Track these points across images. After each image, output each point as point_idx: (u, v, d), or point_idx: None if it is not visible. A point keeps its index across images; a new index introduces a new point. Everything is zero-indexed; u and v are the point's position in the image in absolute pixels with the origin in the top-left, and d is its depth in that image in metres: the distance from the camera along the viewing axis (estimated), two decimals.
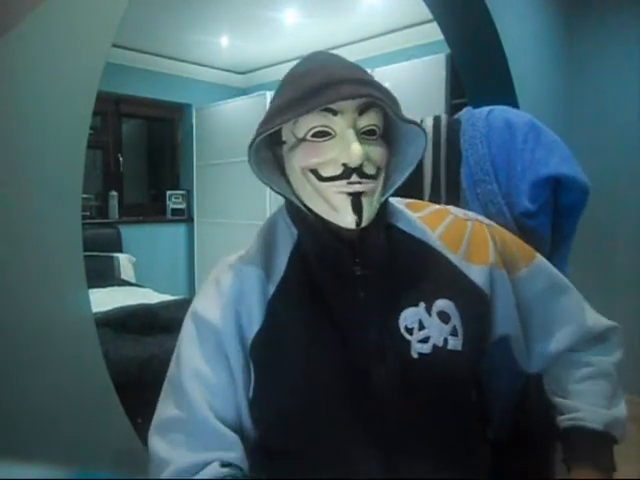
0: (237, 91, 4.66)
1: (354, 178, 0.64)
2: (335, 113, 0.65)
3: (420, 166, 1.12)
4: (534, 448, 0.96)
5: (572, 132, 2.53)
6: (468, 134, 1.06)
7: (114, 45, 1.03)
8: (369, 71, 3.04)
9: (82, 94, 0.98)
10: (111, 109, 4.10)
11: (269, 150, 0.73)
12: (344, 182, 0.65)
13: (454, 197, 1.09)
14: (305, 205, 0.70)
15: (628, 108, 2.50)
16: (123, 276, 3.68)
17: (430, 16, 2.24)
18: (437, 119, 1.13)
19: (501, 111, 1.07)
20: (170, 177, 4.66)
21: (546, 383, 0.82)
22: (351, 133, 0.64)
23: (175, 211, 4.40)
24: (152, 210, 4.46)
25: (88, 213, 3.79)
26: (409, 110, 0.70)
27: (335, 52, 0.71)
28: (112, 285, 3.32)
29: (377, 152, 0.67)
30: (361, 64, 0.73)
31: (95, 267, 3.37)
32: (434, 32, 2.67)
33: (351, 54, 3.76)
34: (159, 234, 4.35)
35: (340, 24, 3.43)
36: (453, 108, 2.74)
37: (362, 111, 0.66)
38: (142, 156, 4.73)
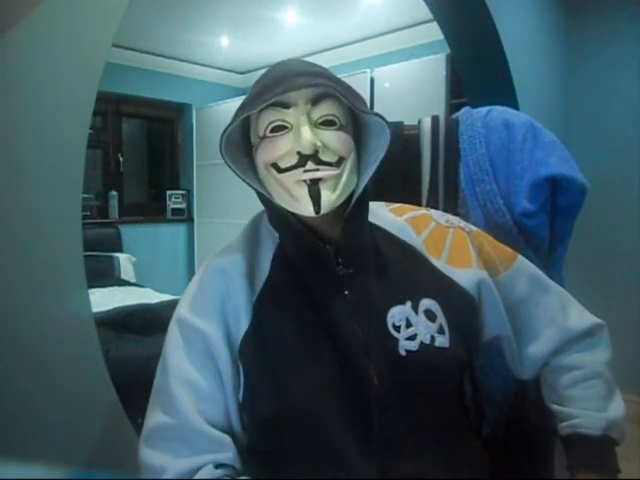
0: (237, 91, 4.66)
1: (310, 165, 0.65)
2: (288, 106, 0.66)
3: (418, 166, 1.12)
4: (530, 447, 0.97)
5: (572, 132, 2.54)
6: (467, 134, 1.06)
7: (114, 45, 1.03)
8: (368, 71, 3.06)
9: (82, 94, 0.98)
10: (111, 109, 4.10)
11: (246, 157, 0.73)
12: (300, 170, 0.66)
13: (452, 197, 1.09)
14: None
15: (628, 109, 2.50)
16: (123, 276, 3.67)
17: (430, 16, 2.24)
18: (435, 119, 1.13)
19: (500, 111, 1.08)
20: (170, 177, 4.66)
21: (542, 391, 0.83)
22: (303, 122, 0.65)
23: (175, 211, 4.40)
24: (152, 210, 4.46)
25: (88, 213, 3.78)
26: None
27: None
28: (112, 285, 3.31)
29: (336, 140, 0.67)
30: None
31: (95, 267, 3.37)
32: (434, 32, 2.67)
33: (351, 54, 3.78)
34: (159, 234, 4.35)
35: (340, 24, 3.43)
36: (453, 108, 2.74)
37: (315, 102, 0.66)
38: (142, 156, 4.72)
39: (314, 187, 0.66)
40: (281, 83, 0.64)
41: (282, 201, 0.69)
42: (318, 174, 0.65)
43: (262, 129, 0.68)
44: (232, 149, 0.70)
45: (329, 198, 0.66)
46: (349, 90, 0.68)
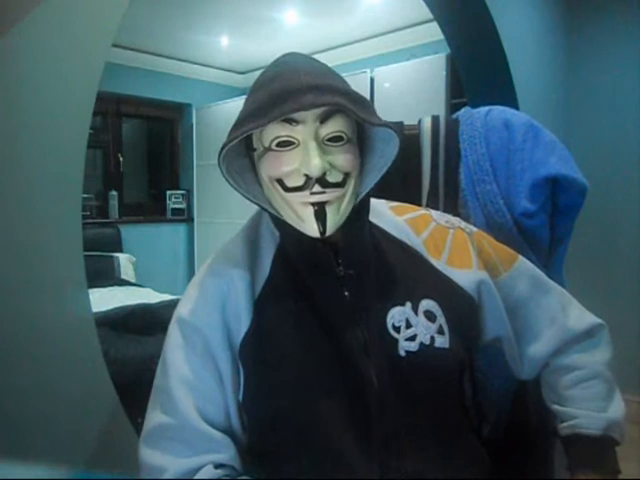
0: (237, 91, 4.66)
1: (316, 188, 0.64)
2: (296, 123, 0.64)
3: (418, 166, 1.12)
4: (531, 447, 0.96)
5: (572, 133, 2.54)
6: (467, 134, 1.06)
7: (114, 45, 1.03)
8: (368, 71, 3.05)
9: (82, 94, 0.98)
10: (111, 109, 4.10)
11: (246, 157, 0.72)
12: (307, 192, 0.65)
13: (452, 197, 1.09)
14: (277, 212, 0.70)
15: (628, 109, 2.50)
16: (123, 276, 3.67)
17: (430, 16, 2.24)
18: (435, 119, 1.13)
19: (500, 111, 1.08)
20: (170, 177, 4.66)
21: (543, 391, 0.83)
22: (312, 145, 0.64)
23: (175, 211, 4.41)
24: (152, 210, 4.46)
25: (88, 213, 3.79)
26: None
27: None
28: (112, 285, 3.31)
29: (343, 158, 0.65)
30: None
31: (95, 267, 3.37)
32: (434, 32, 2.67)
33: (351, 54, 3.78)
34: (159, 234, 4.35)
35: (340, 24, 3.43)
36: (453, 108, 2.74)
37: (324, 119, 0.65)
38: (142, 156, 4.73)
39: (320, 210, 0.65)
40: (289, 99, 0.61)
41: (287, 217, 0.68)
42: (324, 197, 0.65)
43: (267, 141, 0.66)
44: (231, 154, 0.68)
45: (334, 220, 0.66)
46: (357, 100, 0.65)
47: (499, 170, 1.03)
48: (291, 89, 0.62)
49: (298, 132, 0.65)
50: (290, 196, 0.66)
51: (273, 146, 0.66)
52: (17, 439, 0.89)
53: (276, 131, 0.65)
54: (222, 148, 0.64)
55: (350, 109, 0.62)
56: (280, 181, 0.66)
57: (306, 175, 0.64)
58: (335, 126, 0.65)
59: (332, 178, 0.65)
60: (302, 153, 0.64)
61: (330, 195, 0.65)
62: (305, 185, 0.65)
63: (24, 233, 0.92)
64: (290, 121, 0.64)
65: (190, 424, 0.65)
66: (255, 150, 0.70)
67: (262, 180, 0.70)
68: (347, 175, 0.66)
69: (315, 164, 0.62)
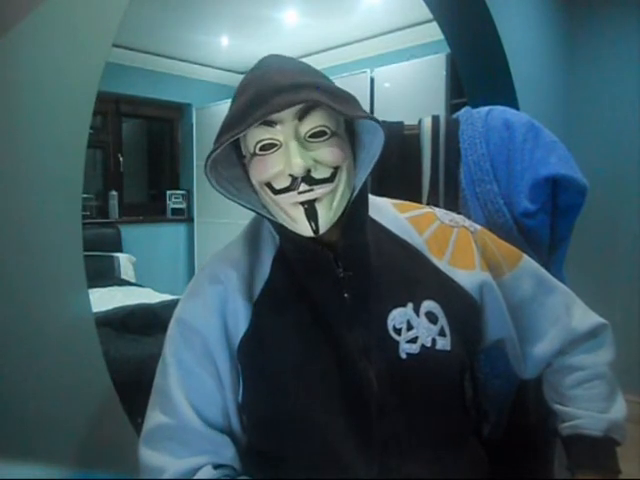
0: None
1: (303, 187, 0.63)
2: (275, 124, 0.63)
3: (419, 166, 1.12)
4: (531, 448, 0.96)
5: (572, 133, 2.54)
6: (467, 134, 1.06)
7: (114, 45, 1.03)
8: (368, 71, 3.04)
9: (82, 94, 0.98)
10: (111, 109, 4.10)
11: (237, 166, 0.72)
12: (294, 193, 0.64)
13: (453, 197, 1.09)
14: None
15: (628, 108, 2.50)
16: (123, 276, 3.68)
17: (430, 16, 2.24)
18: (435, 119, 1.13)
19: (500, 111, 1.08)
20: (170, 177, 4.65)
21: (544, 391, 0.82)
22: (292, 144, 0.63)
23: (175, 211, 4.41)
24: (152, 210, 4.46)
25: (88, 213, 3.79)
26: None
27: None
28: (112, 285, 3.31)
29: (328, 153, 0.64)
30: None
31: (95, 267, 3.37)
32: (434, 32, 2.67)
33: (351, 54, 3.78)
34: (159, 234, 4.35)
35: (340, 24, 3.43)
36: (453, 108, 2.74)
37: (302, 116, 0.63)
38: (142, 156, 4.72)
39: (310, 208, 0.64)
40: (263, 102, 0.61)
41: (281, 220, 0.68)
42: (313, 195, 0.64)
43: (251, 146, 0.66)
44: (222, 164, 0.68)
45: (326, 216, 0.65)
46: (336, 93, 0.64)
47: (499, 170, 1.03)
48: (263, 93, 0.62)
49: (278, 133, 0.64)
50: (279, 198, 0.65)
51: (257, 150, 0.65)
52: (17, 439, 0.89)
53: (258, 135, 0.64)
54: (207, 159, 0.63)
55: (324, 102, 0.61)
56: (269, 184, 0.66)
57: (291, 175, 0.63)
58: (315, 121, 0.64)
59: (319, 174, 0.64)
60: (285, 153, 0.64)
61: (319, 192, 0.64)
62: (292, 185, 0.64)
63: (24, 233, 0.92)
64: (269, 123, 0.63)
65: (189, 424, 0.65)
66: (244, 157, 0.70)
67: (254, 186, 0.69)
68: (336, 169, 0.65)
69: (296, 163, 0.61)
